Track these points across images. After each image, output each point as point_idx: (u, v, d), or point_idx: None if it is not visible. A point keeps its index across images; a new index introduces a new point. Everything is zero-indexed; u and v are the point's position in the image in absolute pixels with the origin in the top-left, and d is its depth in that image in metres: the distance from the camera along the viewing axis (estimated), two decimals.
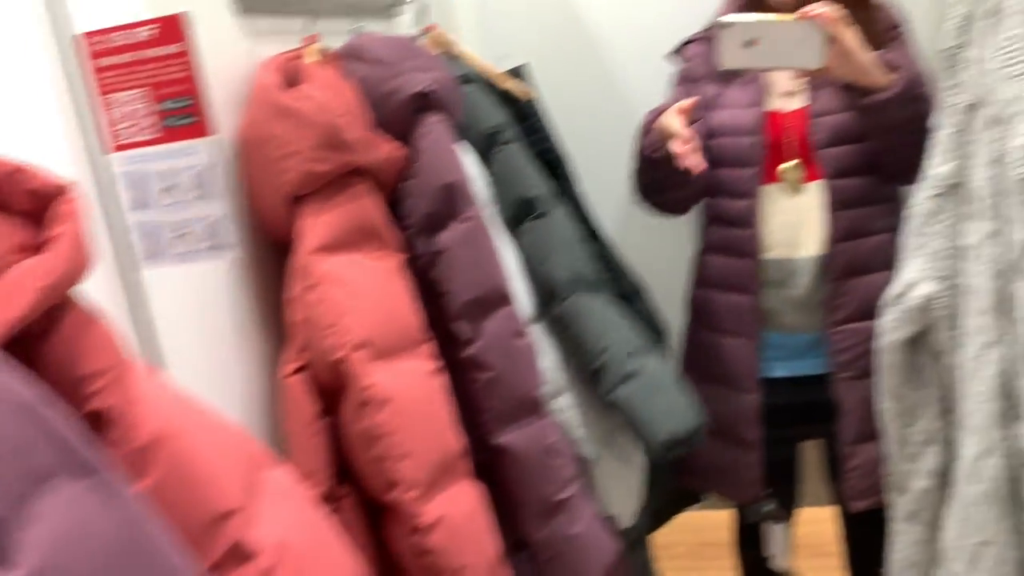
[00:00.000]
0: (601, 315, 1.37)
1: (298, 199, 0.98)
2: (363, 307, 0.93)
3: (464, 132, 1.35)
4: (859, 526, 1.71)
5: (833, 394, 1.55)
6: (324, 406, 0.95)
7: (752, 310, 1.56)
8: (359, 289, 0.94)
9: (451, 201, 1.09)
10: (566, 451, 1.17)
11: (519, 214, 1.35)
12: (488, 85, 1.46)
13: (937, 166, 1.15)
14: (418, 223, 1.10)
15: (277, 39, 1.14)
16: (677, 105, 1.43)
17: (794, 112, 1.52)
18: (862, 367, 1.50)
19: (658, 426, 1.30)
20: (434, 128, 1.09)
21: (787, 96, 1.54)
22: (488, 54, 1.92)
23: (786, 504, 1.74)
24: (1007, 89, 1.00)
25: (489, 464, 1.13)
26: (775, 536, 1.72)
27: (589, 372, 1.33)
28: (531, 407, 1.12)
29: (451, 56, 1.52)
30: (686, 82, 1.63)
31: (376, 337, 0.92)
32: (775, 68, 1.44)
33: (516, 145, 1.39)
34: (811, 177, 1.51)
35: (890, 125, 1.39)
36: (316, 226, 0.95)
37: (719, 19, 1.29)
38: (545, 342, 1.29)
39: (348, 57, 1.15)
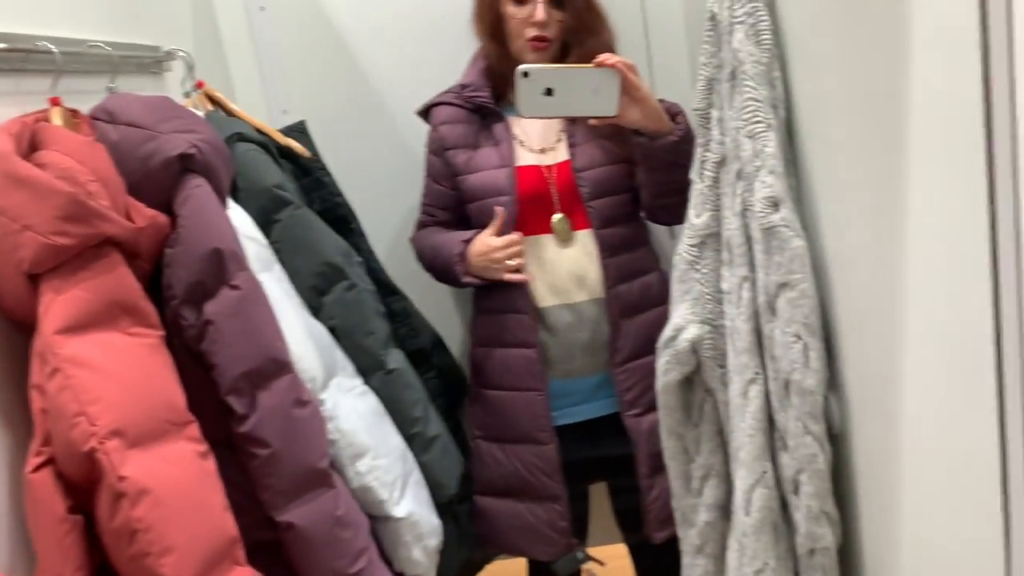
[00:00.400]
0: (413, 384, 1.44)
1: (39, 275, 0.89)
2: (115, 391, 0.86)
3: (241, 193, 1.30)
4: (653, 560, 1.78)
5: (625, 431, 1.61)
6: (75, 502, 0.86)
7: (537, 361, 1.60)
8: (110, 371, 0.87)
9: (218, 268, 1.03)
10: (356, 520, 1.14)
11: (324, 282, 1.34)
12: (266, 143, 1.42)
13: (695, 217, 1.23)
14: (183, 293, 1.03)
15: (16, 100, 1.05)
16: (490, 242, 1.56)
17: (558, 166, 1.59)
18: (648, 402, 1.59)
19: (451, 479, 1.42)
20: (195, 192, 1.04)
21: (544, 152, 1.61)
22: (266, 111, 1.88)
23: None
24: (748, 147, 1.09)
25: (278, 541, 1.08)
26: None
27: (406, 435, 1.39)
28: (317, 479, 1.08)
29: (225, 114, 1.47)
30: (435, 152, 1.69)
31: (131, 423, 0.85)
32: (573, 115, 1.48)
33: (305, 210, 1.36)
34: (579, 226, 1.58)
35: (674, 166, 1.46)
36: (58, 304, 0.87)
37: (518, 68, 1.31)
38: (347, 406, 1.26)
39: (100, 119, 1.08)
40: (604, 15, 1.61)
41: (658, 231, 1.80)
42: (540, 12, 1.54)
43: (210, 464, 0.93)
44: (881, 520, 1.06)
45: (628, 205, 1.63)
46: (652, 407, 1.58)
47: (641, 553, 1.81)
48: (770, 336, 1.12)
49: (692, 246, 1.24)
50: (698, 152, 1.23)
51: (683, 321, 1.26)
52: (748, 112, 1.09)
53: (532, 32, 1.56)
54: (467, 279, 1.60)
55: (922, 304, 0.83)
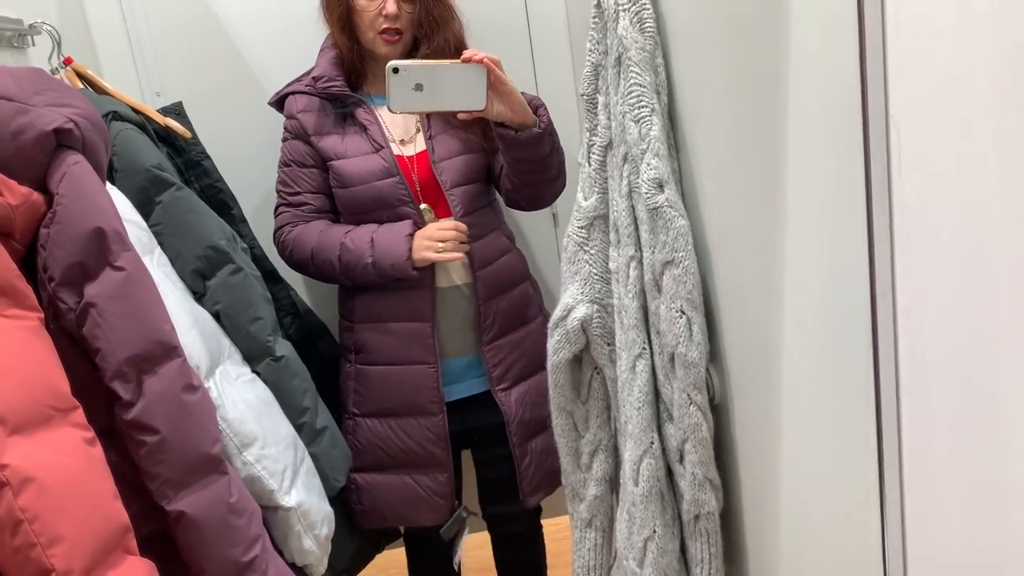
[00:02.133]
0: (302, 373, 1.42)
1: None
2: None
3: (117, 174, 1.24)
4: (512, 548, 1.95)
5: (495, 404, 1.70)
6: None
7: (430, 335, 1.66)
8: None
9: (100, 248, 0.98)
10: (250, 508, 1.11)
11: (209, 266, 1.29)
12: (143, 123, 1.36)
13: (583, 199, 1.27)
14: (62, 275, 0.98)
15: None
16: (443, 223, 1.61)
17: (417, 156, 1.65)
18: (515, 375, 1.72)
19: (339, 473, 1.43)
20: (73, 169, 0.98)
21: (403, 143, 1.65)
22: (138, 92, 1.80)
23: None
24: (634, 130, 1.13)
25: (167, 531, 1.04)
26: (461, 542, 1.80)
27: (295, 425, 1.37)
28: (208, 466, 1.05)
29: (97, 92, 1.40)
30: (299, 139, 1.68)
31: (11, 409, 0.80)
32: (442, 109, 1.52)
33: (187, 191, 1.31)
34: (441, 215, 1.64)
35: (537, 157, 1.56)
36: None
37: (388, 64, 1.33)
38: (233, 395, 1.23)
39: None
40: (453, 7, 1.66)
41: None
42: (391, 5, 1.58)
43: (97, 451, 0.88)
44: (760, 485, 1.13)
45: (484, 191, 1.70)
46: (518, 380, 1.73)
47: (500, 541, 1.94)
48: (656, 312, 1.17)
49: (581, 228, 1.28)
50: (585, 136, 1.27)
51: (572, 301, 1.30)
52: (633, 97, 1.13)
53: (383, 24, 1.59)
54: (412, 268, 1.60)
55: (799, 278, 0.89)
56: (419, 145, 1.66)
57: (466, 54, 1.37)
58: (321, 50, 1.69)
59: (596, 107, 1.24)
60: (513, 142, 1.51)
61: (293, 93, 1.69)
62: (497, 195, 1.77)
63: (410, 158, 1.64)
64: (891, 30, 0.67)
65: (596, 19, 1.20)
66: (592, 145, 1.25)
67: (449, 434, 1.71)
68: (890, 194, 0.71)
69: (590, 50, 1.22)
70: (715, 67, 1.02)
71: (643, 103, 1.12)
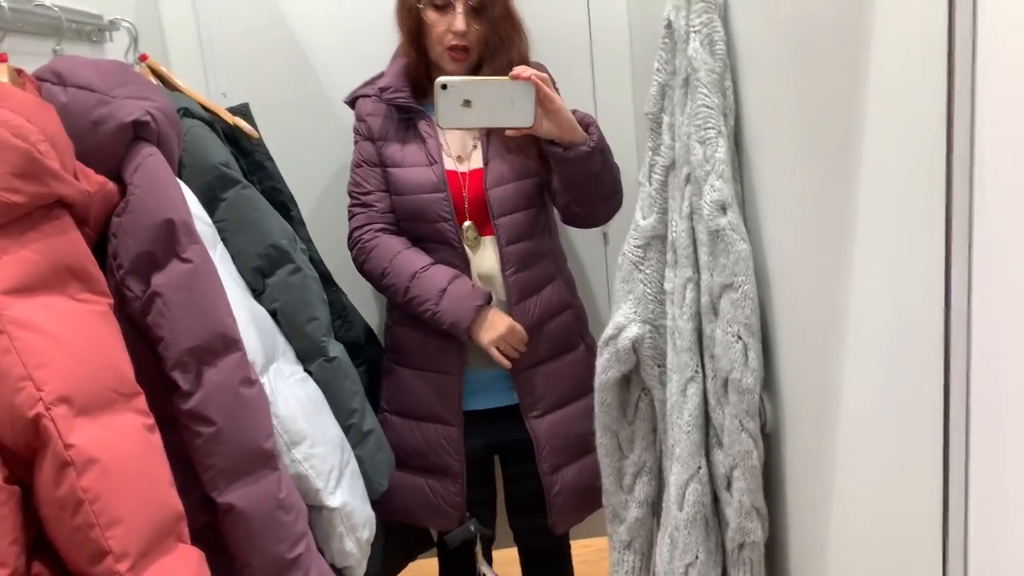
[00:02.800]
0: (352, 375, 1.43)
1: None
2: (62, 357, 0.82)
3: (185, 170, 1.27)
4: (539, 564, 1.93)
5: (526, 431, 1.69)
6: (12, 471, 0.82)
7: (458, 347, 1.66)
8: (58, 336, 0.83)
9: (169, 240, 1.00)
10: (298, 505, 1.12)
11: (269, 264, 1.31)
12: (212, 121, 1.38)
13: (641, 219, 1.27)
14: (131, 263, 1.00)
15: None
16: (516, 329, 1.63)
17: (471, 173, 1.65)
18: (548, 404, 1.71)
19: (382, 477, 1.44)
20: (148, 161, 1.01)
21: (460, 160, 1.66)
22: (205, 92, 1.83)
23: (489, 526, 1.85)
24: (699, 151, 1.13)
25: (216, 523, 1.05)
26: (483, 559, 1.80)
27: (342, 426, 1.38)
28: (261, 460, 1.06)
29: (169, 88, 1.43)
30: (368, 140, 1.70)
31: (79, 390, 0.82)
32: (490, 126, 1.53)
33: (252, 190, 1.33)
34: (486, 233, 1.65)
35: (587, 175, 1.55)
36: (5, 265, 0.83)
37: (437, 80, 1.34)
38: (286, 392, 1.24)
39: (47, 80, 1.04)
40: (521, 26, 1.66)
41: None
42: (460, 22, 1.58)
43: (156, 438, 0.90)
44: (809, 516, 1.11)
45: (534, 219, 1.69)
46: (552, 408, 1.71)
47: (528, 556, 1.92)
48: (711, 336, 1.16)
49: (637, 247, 1.27)
50: (648, 155, 1.27)
51: (625, 320, 1.29)
52: (700, 118, 1.13)
53: (452, 41, 1.60)
54: (459, 331, 1.61)
55: (866, 310, 0.87)
56: (475, 162, 1.66)
57: (515, 71, 1.37)
58: (393, 58, 1.71)
59: (660, 127, 1.24)
60: (562, 160, 1.51)
61: (364, 96, 1.71)
62: (551, 218, 1.76)
63: (463, 174, 1.65)
64: (982, 58, 0.66)
65: (666, 39, 1.20)
66: (654, 165, 1.25)
67: (477, 444, 1.71)
68: (971, 231, 0.70)
69: (657, 69, 1.23)
70: (785, 92, 1.01)
71: (710, 124, 1.12)
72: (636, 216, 1.28)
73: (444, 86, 1.33)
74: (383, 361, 1.78)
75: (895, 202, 0.79)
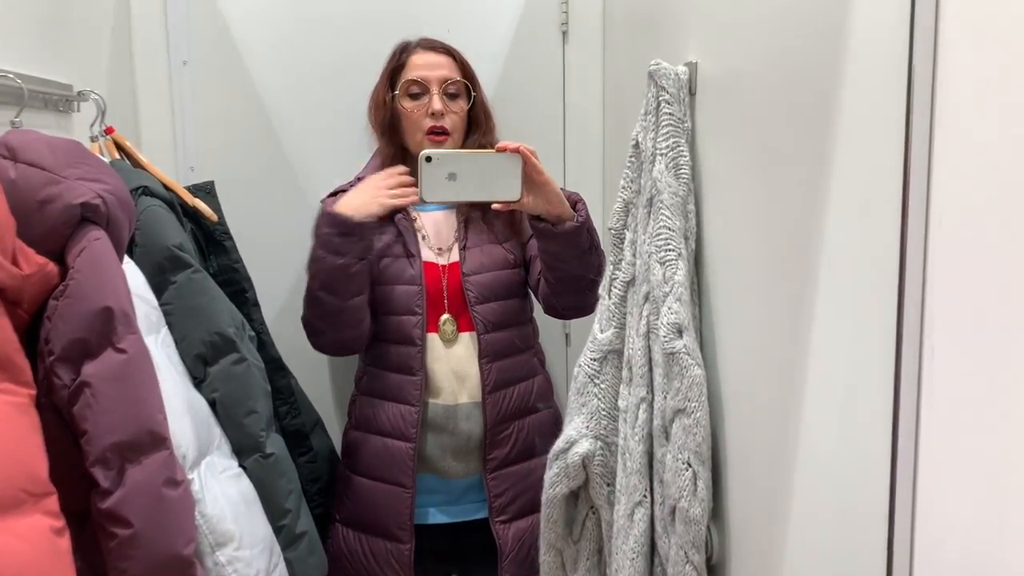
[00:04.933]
0: (289, 472, 1.37)
1: None
2: None
3: (138, 249, 1.24)
4: None
5: (492, 537, 1.61)
6: None
7: (411, 457, 1.58)
8: None
9: (105, 328, 0.97)
10: None
11: (213, 352, 1.27)
12: (171, 200, 1.36)
13: (599, 332, 1.25)
14: (62, 350, 0.96)
15: None
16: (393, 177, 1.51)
17: (450, 266, 1.62)
18: (517, 509, 1.63)
19: None
20: (94, 245, 0.98)
21: (440, 252, 1.63)
22: (172, 166, 1.82)
23: None
24: (658, 272, 1.12)
25: None
26: None
27: (274, 526, 1.31)
28: (177, 568, 1.00)
29: (132, 164, 1.41)
30: None
31: None
32: (475, 200, 1.48)
33: (203, 274, 1.30)
34: (464, 328, 1.60)
35: (575, 252, 1.50)
36: None
37: (422, 152, 1.32)
38: (216, 489, 1.19)
39: (0, 155, 1.01)
40: (491, 115, 1.68)
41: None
42: (437, 102, 1.59)
43: (64, 542, 0.84)
44: None
45: (515, 310, 1.66)
46: (520, 514, 1.64)
47: None
48: (662, 460, 1.13)
49: (594, 360, 1.25)
50: (609, 269, 1.26)
51: (576, 434, 1.26)
52: (661, 239, 1.13)
53: (429, 123, 1.59)
54: (338, 223, 1.47)
55: (815, 446, 0.86)
56: (455, 255, 1.63)
57: (501, 144, 1.35)
58: (372, 157, 1.69)
59: (623, 242, 1.24)
60: (549, 235, 1.47)
61: (343, 191, 1.68)
62: (534, 316, 1.73)
63: (443, 267, 1.62)
64: (935, 210, 0.66)
65: (632, 159, 1.21)
66: (615, 279, 1.24)
67: (430, 564, 1.63)
68: (919, 374, 0.69)
69: (623, 187, 1.23)
70: (746, 218, 1.02)
71: (670, 246, 1.12)
72: (594, 328, 1.27)
73: (429, 159, 1.31)
74: (340, 467, 1.71)
75: (850, 334, 0.79)
